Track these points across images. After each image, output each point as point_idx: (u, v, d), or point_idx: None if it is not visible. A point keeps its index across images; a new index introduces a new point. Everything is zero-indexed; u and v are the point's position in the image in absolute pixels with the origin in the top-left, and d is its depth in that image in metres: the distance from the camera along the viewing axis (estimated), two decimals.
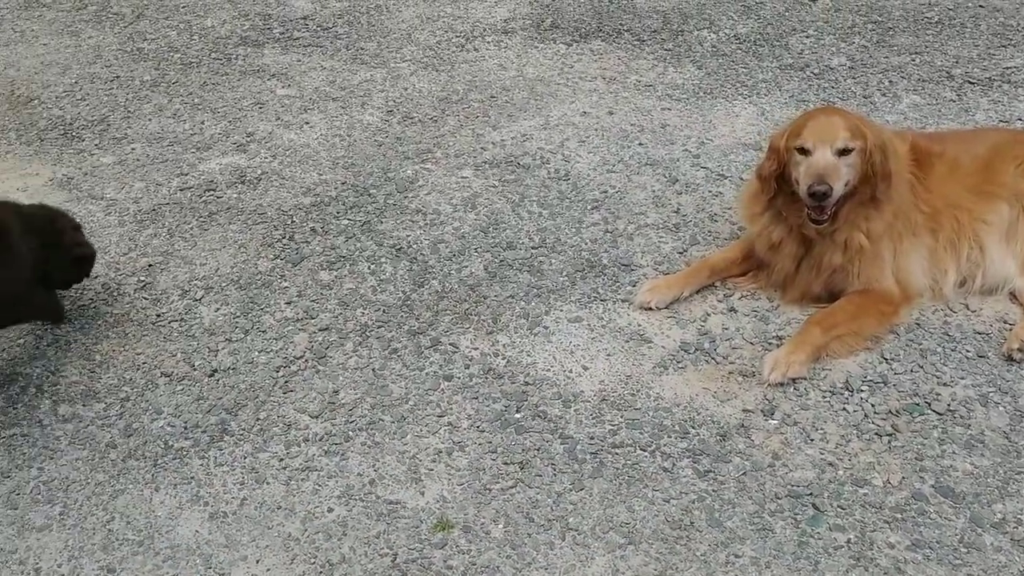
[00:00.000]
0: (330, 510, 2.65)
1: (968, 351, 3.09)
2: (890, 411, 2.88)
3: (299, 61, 5.26)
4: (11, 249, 2.98)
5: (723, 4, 5.72)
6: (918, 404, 2.90)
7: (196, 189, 4.14)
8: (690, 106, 4.65)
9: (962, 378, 2.99)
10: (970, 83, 4.66)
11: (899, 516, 2.55)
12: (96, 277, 3.58)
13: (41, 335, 3.32)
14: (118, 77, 5.13)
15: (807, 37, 5.25)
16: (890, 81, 4.74)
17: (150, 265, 3.67)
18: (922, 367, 3.03)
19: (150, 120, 4.72)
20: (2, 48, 5.47)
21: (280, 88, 4.99)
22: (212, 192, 4.12)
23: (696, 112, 4.59)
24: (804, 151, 3.05)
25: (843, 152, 3.02)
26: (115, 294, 3.52)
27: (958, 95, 4.57)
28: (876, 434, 2.81)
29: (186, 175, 4.25)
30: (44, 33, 5.65)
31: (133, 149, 4.48)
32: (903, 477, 2.66)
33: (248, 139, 4.53)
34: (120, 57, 5.35)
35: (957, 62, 4.88)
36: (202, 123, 4.68)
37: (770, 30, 5.36)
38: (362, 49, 5.38)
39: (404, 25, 5.65)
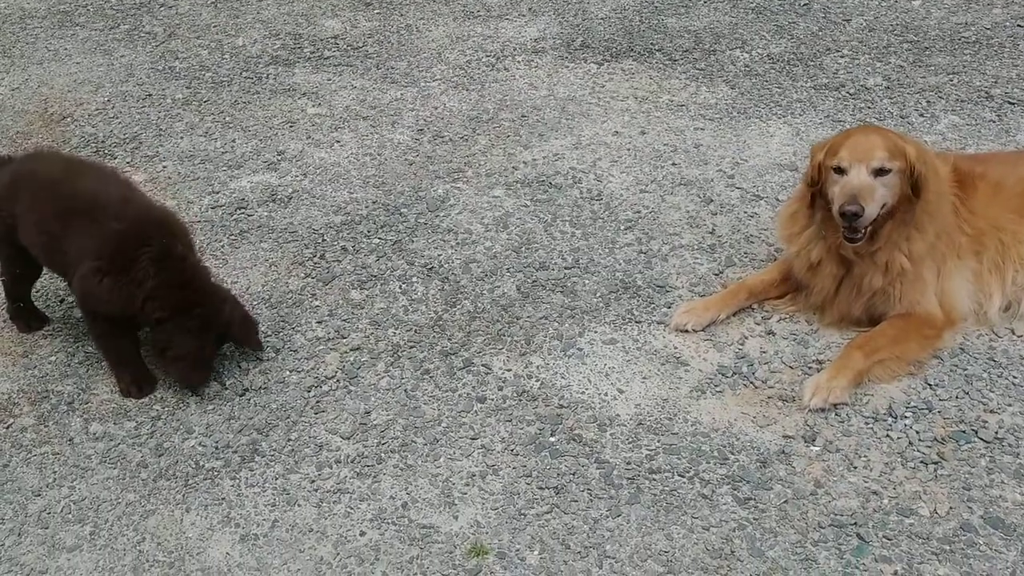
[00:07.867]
0: (362, 534, 2.61)
1: (1015, 377, 3.00)
2: (935, 438, 2.80)
3: (329, 80, 5.26)
4: None
5: (755, 24, 5.68)
6: (964, 431, 2.82)
7: (227, 207, 4.13)
8: (723, 126, 4.60)
9: (1009, 405, 2.91)
10: (1010, 104, 4.58)
11: (947, 548, 2.48)
12: None
13: (73, 352, 3.31)
14: (150, 95, 5.15)
15: (842, 57, 5.19)
16: (928, 101, 4.67)
17: None
18: (968, 393, 2.95)
19: (181, 138, 4.72)
20: (36, 66, 5.51)
21: (311, 107, 4.99)
22: (243, 210, 4.11)
23: (730, 132, 4.54)
24: (840, 170, 3.00)
25: (880, 172, 2.96)
26: None
27: (998, 116, 4.49)
28: (921, 462, 2.73)
29: (217, 193, 4.24)
30: (77, 52, 5.69)
31: (164, 167, 4.49)
32: (951, 507, 2.59)
33: (279, 158, 4.52)
34: (152, 76, 5.37)
35: (996, 82, 4.80)
36: (233, 141, 4.68)
37: (803, 50, 5.31)
38: (392, 68, 5.37)
39: (434, 45, 5.64)
